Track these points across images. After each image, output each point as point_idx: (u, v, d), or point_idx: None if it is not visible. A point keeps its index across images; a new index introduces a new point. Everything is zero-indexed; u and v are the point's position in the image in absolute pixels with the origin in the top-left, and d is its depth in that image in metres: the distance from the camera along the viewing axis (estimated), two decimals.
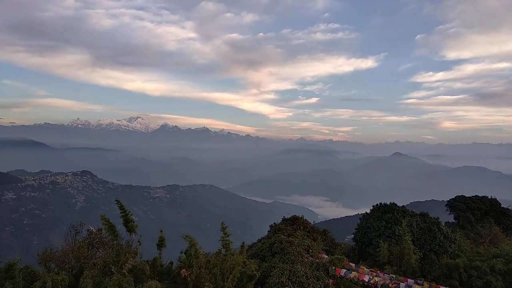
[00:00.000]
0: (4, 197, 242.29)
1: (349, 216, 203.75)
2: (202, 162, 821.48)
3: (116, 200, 13.61)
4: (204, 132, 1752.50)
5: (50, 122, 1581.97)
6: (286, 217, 35.32)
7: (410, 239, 22.06)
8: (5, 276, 11.06)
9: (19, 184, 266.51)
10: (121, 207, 13.54)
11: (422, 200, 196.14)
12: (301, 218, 33.97)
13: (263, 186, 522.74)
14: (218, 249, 13.69)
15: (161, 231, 13.96)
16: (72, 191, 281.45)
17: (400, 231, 24.00)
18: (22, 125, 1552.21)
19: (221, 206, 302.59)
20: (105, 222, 13.42)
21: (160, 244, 13.85)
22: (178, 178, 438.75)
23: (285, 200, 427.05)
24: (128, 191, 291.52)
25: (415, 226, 25.56)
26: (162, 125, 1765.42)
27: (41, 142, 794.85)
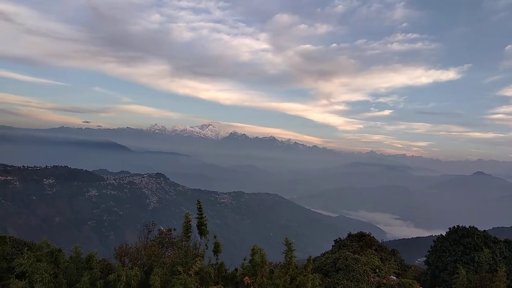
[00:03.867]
0: (89, 194, 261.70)
1: (421, 237, 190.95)
2: (267, 171, 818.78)
3: (197, 201, 13.98)
4: (271, 141, 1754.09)
5: (131, 127, 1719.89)
6: (352, 233, 33.97)
7: (504, 269, 19.89)
8: (85, 266, 11.92)
9: (101, 183, 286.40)
10: (200, 209, 13.89)
11: (507, 226, 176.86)
12: (368, 235, 32.51)
13: (329, 199, 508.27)
14: (284, 262, 13.52)
15: (215, 237, 13.88)
16: (146, 191, 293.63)
17: (481, 258, 21.87)
18: (107, 129, 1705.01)
19: (285, 216, 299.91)
20: (186, 221, 13.80)
21: (216, 250, 13.85)
22: (243, 185, 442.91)
23: (351, 215, 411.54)
24: (197, 195, 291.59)
25: (498, 254, 23.14)
26: (231, 133, 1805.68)
27: (123, 145, 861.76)
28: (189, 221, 13.77)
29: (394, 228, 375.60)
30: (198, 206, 13.78)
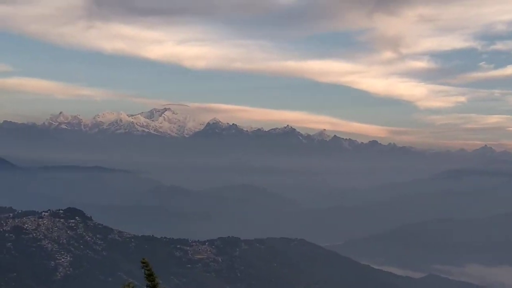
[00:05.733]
0: None
1: None
2: (283, 195, 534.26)
3: (142, 262, 10.06)
4: (287, 136, 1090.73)
5: (13, 121, 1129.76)
6: None
7: None
8: None
9: None
10: (150, 276, 10.27)
11: None
12: None
13: (404, 243, 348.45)
14: None
15: None
16: (49, 245, 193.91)
17: None
18: None
19: (322, 281, 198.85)
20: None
21: None
22: (239, 225, 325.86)
23: (452, 272, 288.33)
24: (148, 247, 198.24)
25: None
26: (209, 123, 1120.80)
27: None
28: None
29: None
30: (147, 271, 10.27)
